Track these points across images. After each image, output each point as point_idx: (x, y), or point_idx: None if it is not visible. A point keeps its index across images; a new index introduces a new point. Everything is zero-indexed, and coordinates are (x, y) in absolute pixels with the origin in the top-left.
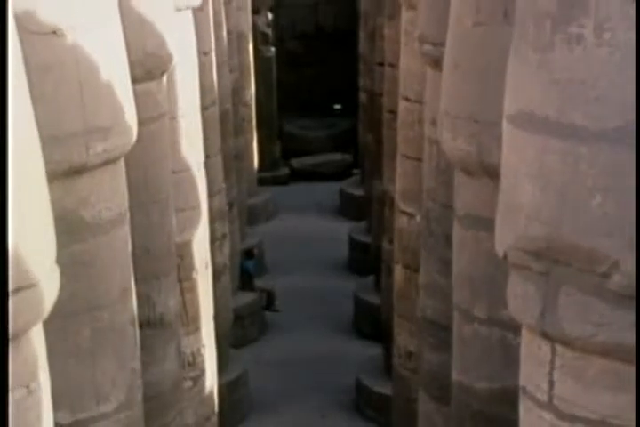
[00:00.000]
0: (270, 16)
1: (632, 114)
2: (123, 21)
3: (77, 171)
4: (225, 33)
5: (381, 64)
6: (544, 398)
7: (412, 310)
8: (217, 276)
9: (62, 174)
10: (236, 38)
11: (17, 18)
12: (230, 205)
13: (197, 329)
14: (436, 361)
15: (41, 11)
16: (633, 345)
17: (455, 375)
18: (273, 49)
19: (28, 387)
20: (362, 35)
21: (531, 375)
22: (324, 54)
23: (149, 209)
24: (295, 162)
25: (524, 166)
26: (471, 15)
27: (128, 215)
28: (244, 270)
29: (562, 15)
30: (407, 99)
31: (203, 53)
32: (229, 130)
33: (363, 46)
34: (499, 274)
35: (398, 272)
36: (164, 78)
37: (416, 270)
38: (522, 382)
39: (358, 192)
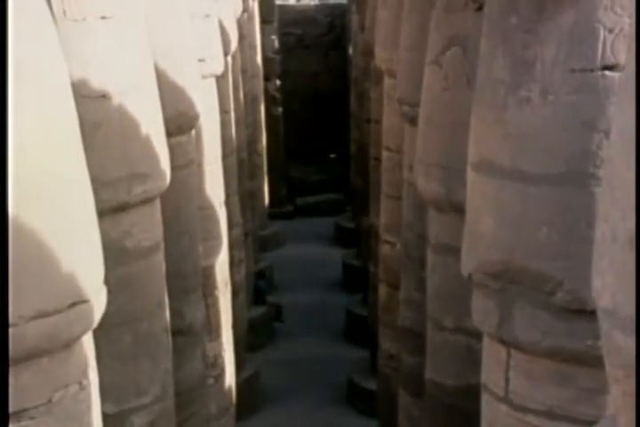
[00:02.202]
0: (278, 82)
1: (572, 161)
2: (159, 86)
3: (121, 208)
4: (242, 96)
5: (368, 121)
6: (501, 392)
7: (393, 320)
8: (235, 293)
9: (109, 211)
10: (250, 100)
11: (73, 85)
12: (246, 235)
13: (219, 336)
14: (413, 363)
15: (92, 79)
16: (572, 349)
17: (428, 374)
18: (280, 109)
19: (80, 383)
20: (352, 97)
21: (490, 374)
22: (322, 113)
23: (180, 239)
24: (299, 200)
25: (485, 204)
26: (440, 82)
27: (162, 244)
28: (257, 288)
29: (513, 81)
30: (389, 149)
31: (224, 112)
32: (245, 174)
33: (353, 106)
34: (464, 291)
35: (382, 290)
36: (193, 133)
37: (397, 288)
38: (483, 379)
39: (350, 225)
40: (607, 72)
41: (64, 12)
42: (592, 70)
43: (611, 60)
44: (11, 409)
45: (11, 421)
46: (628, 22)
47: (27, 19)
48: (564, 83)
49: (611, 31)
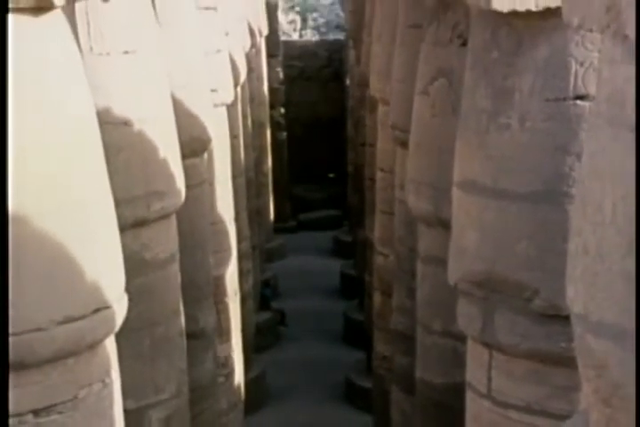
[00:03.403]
0: (282, 110)
1: (548, 181)
2: (175, 114)
3: (141, 223)
4: (250, 122)
5: (364, 144)
6: (484, 390)
7: (387, 325)
8: (243, 300)
9: (130, 226)
10: (257, 126)
11: (98, 113)
12: (253, 248)
13: (229, 339)
14: (405, 363)
15: (115, 107)
16: (548, 351)
17: (418, 374)
18: (284, 134)
19: (103, 382)
20: (349, 123)
21: (474, 373)
22: (322, 137)
23: (194, 251)
24: (301, 216)
25: (469, 220)
26: (428, 110)
27: (178, 256)
28: (263, 296)
29: (494, 110)
30: (382, 170)
31: (233, 137)
32: (252, 193)
33: (350, 131)
34: (450, 299)
35: (377, 297)
36: (205, 155)
37: (390, 296)
38: (467, 378)
39: (347, 238)
40: (578, 101)
41: (91, 47)
42: (565, 100)
43: (582, 91)
44: (41, 405)
45: (41, 415)
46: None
47: (56, 53)
48: (540, 111)
49: (582, 64)
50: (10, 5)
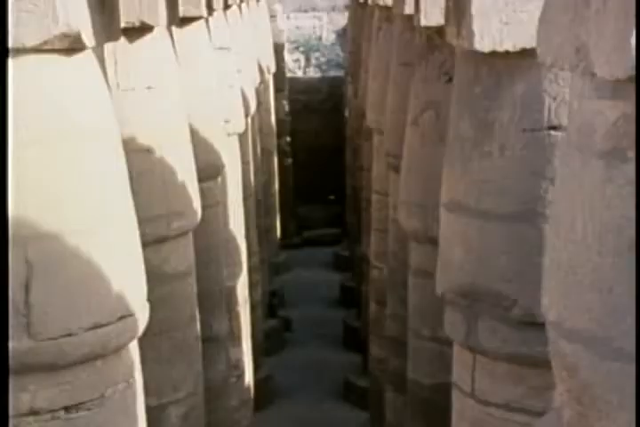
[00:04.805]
0: (288, 139)
1: (525, 203)
2: (192, 142)
3: (161, 240)
4: (259, 150)
5: (360, 169)
6: (468, 389)
7: (381, 331)
8: (253, 308)
9: (152, 242)
10: (266, 153)
11: (124, 141)
12: (262, 261)
13: (240, 344)
14: (398, 365)
15: (139, 136)
16: (526, 354)
17: (410, 374)
18: (290, 160)
19: (127, 381)
20: (348, 150)
21: (459, 374)
22: (324, 163)
23: (208, 265)
24: (305, 234)
25: (454, 237)
26: (418, 139)
27: (194, 269)
28: (270, 305)
29: (477, 139)
30: (377, 192)
31: (244, 163)
32: (261, 213)
33: (348, 158)
34: (438, 307)
35: (372, 306)
36: (219, 179)
37: (384, 305)
38: (453, 378)
39: (346, 254)
40: (552, 132)
41: (118, 83)
42: (540, 130)
43: (554, 122)
44: (71, 402)
45: (70, 412)
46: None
47: (88, 89)
48: (518, 140)
49: (554, 99)
50: (47, 47)
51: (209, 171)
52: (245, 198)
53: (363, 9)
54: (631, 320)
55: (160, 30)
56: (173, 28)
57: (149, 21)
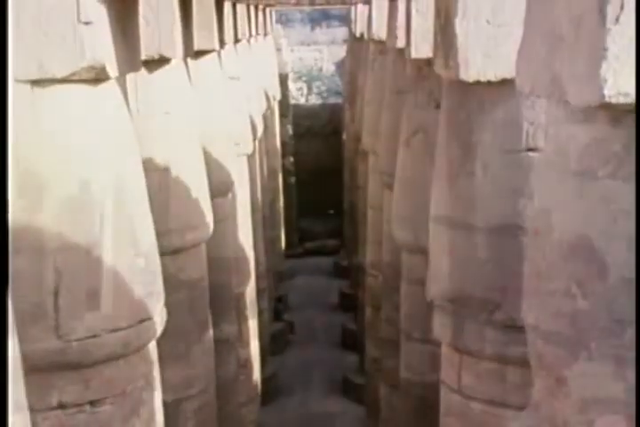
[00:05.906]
0: (292, 159)
1: (506, 217)
2: (205, 162)
3: (177, 251)
4: (265, 169)
5: (357, 186)
6: (455, 386)
7: (377, 333)
8: (260, 313)
9: (169, 253)
10: (271, 172)
11: (143, 161)
12: (268, 270)
13: (248, 345)
14: (391, 364)
15: (157, 157)
16: (507, 354)
17: (403, 373)
18: (294, 179)
19: (146, 379)
20: (346, 170)
21: (447, 372)
22: (324, 181)
23: (219, 273)
24: (307, 244)
25: (442, 248)
26: (410, 159)
27: (207, 277)
28: (276, 309)
29: (462, 159)
30: (372, 207)
31: (252, 181)
32: (267, 226)
33: (346, 176)
34: (428, 312)
35: (368, 311)
36: (229, 195)
37: (379, 310)
38: (442, 376)
39: (344, 263)
40: (530, 153)
41: (138, 109)
42: (519, 152)
43: (532, 145)
44: (96, 397)
45: (95, 406)
46: (544, 117)
47: (112, 115)
48: (499, 161)
49: (532, 124)
50: (75, 77)
51: (220, 188)
52: (253, 213)
53: (359, 42)
54: (603, 323)
55: (177, 62)
56: (189, 60)
57: (167, 54)
